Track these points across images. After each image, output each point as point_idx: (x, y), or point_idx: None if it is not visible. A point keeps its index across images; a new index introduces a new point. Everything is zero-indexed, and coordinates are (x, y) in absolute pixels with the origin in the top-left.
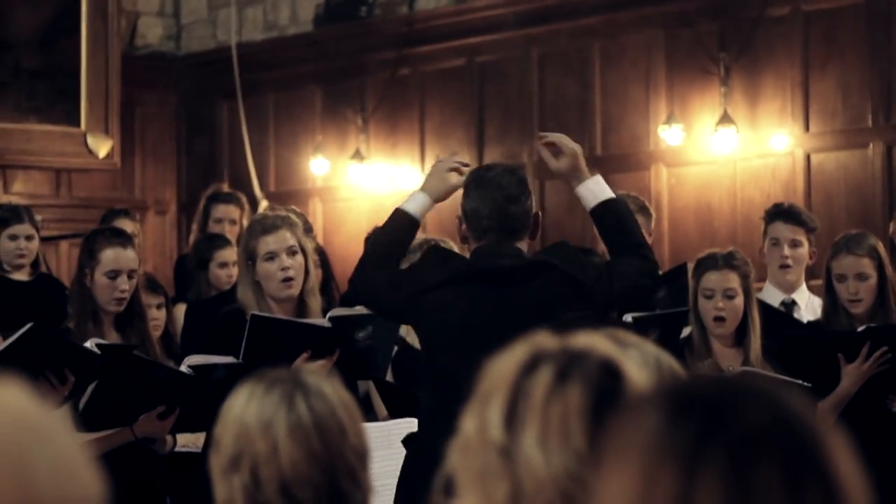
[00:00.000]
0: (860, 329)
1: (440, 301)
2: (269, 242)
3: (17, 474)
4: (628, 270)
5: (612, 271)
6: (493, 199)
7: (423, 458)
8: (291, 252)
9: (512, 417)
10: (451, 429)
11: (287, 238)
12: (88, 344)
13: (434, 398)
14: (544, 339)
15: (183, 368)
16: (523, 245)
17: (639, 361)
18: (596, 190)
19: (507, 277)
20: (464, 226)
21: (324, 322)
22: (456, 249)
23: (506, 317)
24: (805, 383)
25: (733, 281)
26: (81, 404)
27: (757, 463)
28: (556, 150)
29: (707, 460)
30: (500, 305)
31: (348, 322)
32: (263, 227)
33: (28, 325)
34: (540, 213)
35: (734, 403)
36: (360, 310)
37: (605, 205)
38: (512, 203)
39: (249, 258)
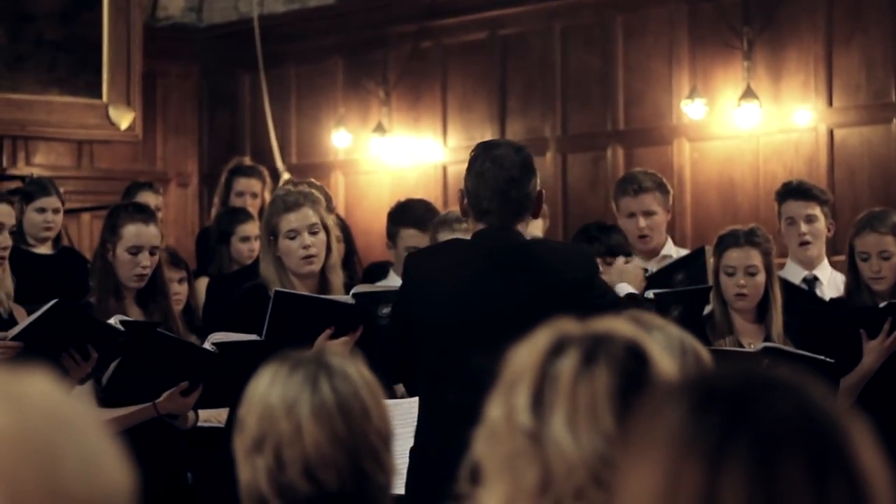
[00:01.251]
0: (882, 305)
1: (431, 293)
2: (291, 220)
3: (46, 469)
4: None
5: (624, 303)
6: (494, 180)
7: (429, 445)
8: (313, 230)
9: (539, 402)
10: (447, 418)
11: (309, 216)
12: (112, 321)
13: (428, 389)
14: (567, 325)
15: (207, 346)
16: (524, 226)
17: (663, 344)
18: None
19: (497, 265)
20: (465, 201)
21: (347, 298)
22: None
23: (499, 304)
24: (828, 359)
25: (755, 258)
26: (105, 379)
27: (781, 456)
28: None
29: (731, 454)
30: (491, 293)
31: (372, 298)
32: (286, 204)
33: (52, 302)
34: (543, 191)
35: (758, 396)
36: (384, 285)
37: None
38: (513, 187)
39: (271, 234)
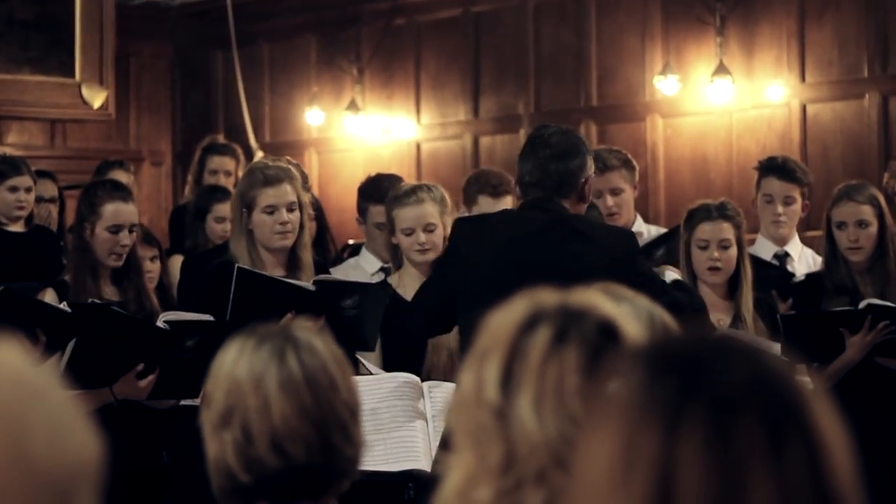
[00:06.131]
0: (862, 306)
1: (476, 257)
2: (270, 195)
3: (12, 435)
4: (684, 300)
5: (670, 287)
6: (536, 156)
7: None
8: (291, 208)
9: (508, 378)
10: None
11: (288, 193)
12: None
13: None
14: (544, 296)
15: (159, 324)
16: (570, 205)
17: (632, 315)
18: None
19: (539, 234)
20: (517, 188)
21: (308, 285)
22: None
23: (540, 272)
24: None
25: (728, 231)
26: (63, 363)
27: (738, 419)
28: None
29: (688, 418)
30: (533, 260)
31: (334, 288)
32: (266, 177)
33: None
34: (591, 177)
35: (714, 361)
36: (346, 276)
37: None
38: (552, 161)
39: (246, 206)
